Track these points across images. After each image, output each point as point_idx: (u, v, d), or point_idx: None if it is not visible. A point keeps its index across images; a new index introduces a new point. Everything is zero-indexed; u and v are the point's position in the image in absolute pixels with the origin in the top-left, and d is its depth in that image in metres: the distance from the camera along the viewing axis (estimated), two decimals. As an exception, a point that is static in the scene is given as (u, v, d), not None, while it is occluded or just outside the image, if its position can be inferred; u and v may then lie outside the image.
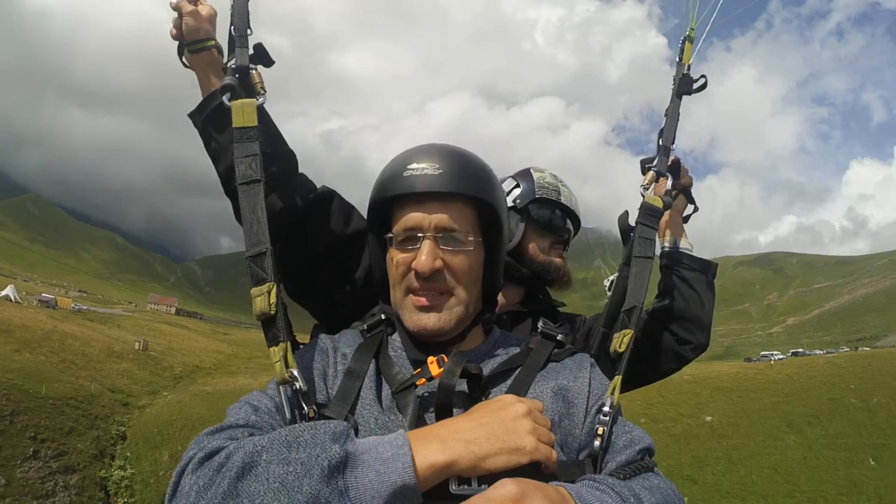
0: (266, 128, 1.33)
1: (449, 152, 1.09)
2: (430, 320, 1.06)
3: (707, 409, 17.40)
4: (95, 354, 45.20)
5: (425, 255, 1.03)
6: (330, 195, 1.49)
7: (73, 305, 70.27)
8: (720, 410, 17.08)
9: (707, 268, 1.69)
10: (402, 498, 0.77)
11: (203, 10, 1.35)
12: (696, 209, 1.78)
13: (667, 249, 1.72)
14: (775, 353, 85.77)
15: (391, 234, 1.10)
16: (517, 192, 1.76)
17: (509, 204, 1.73)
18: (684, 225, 1.78)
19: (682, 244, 1.71)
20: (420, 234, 1.05)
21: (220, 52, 1.39)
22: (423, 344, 1.11)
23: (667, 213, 1.67)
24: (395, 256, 1.09)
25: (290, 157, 1.45)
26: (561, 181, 1.82)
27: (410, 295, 1.08)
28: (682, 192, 1.73)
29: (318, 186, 1.50)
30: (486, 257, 1.13)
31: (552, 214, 1.75)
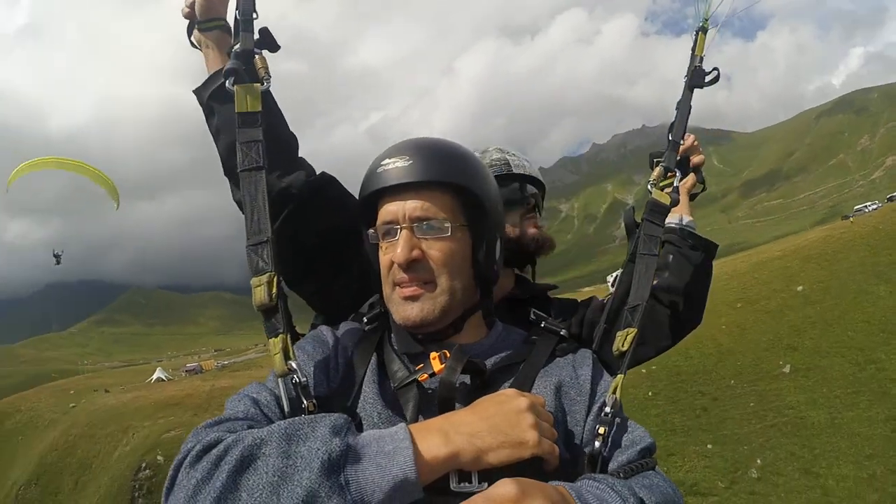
0: (268, 110, 1.29)
1: (422, 143, 1.09)
2: (412, 311, 1.04)
3: (798, 279, 17.99)
4: (257, 396, 50.45)
5: (401, 246, 1.03)
6: (329, 181, 1.46)
7: (216, 364, 76.85)
8: (810, 278, 17.67)
9: (708, 247, 1.62)
10: (403, 492, 0.75)
11: None
12: (704, 189, 1.76)
13: (671, 225, 1.66)
14: (869, 203, 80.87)
15: (372, 231, 1.10)
16: None
17: None
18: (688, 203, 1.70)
19: (687, 221, 1.66)
20: (397, 226, 1.05)
21: (230, 32, 1.36)
22: (420, 339, 1.09)
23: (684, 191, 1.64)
24: (381, 252, 1.10)
25: (289, 140, 1.42)
26: (507, 151, 1.77)
27: (397, 288, 1.07)
28: (694, 170, 1.69)
29: (317, 172, 1.45)
30: (475, 243, 1.10)
31: (509, 189, 1.68)
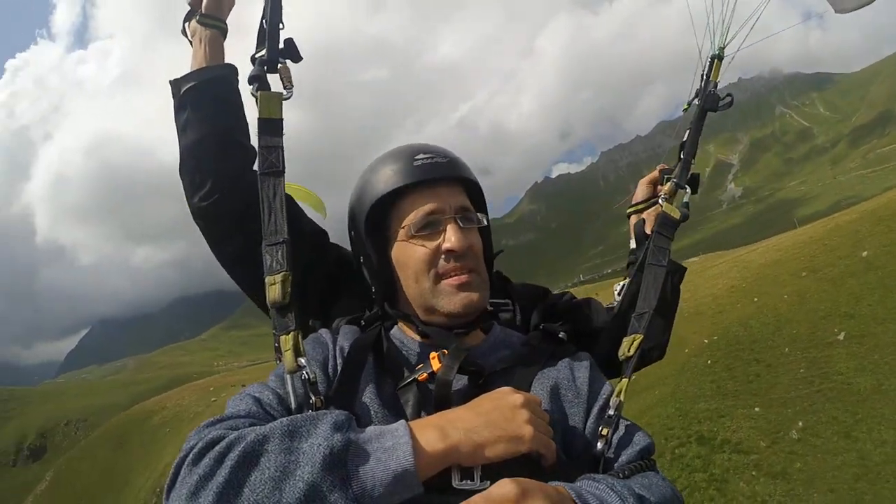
0: (239, 118, 1.34)
1: (435, 147, 1.16)
2: (474, 296, 1.08)
3: (865, 243, 17.35)
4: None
5: (457, 234, 1.06)
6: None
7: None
8: (877, 242, 17.04)
9: (677, 269, 1.55)
10: (403, 486, 0.77)
11: None
12: (692, 195, 1.68)
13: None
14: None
15: (405, 226, 1.09)
16: None
17: None
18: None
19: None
20: (442, 217, 1.08)
21: (224, 35, 1.39)
22: (425, 338, 1.12)
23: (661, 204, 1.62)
24: (414, 247, 1.09)
25: (247, 150, 1.39)
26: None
27: (444, 280, 1.08)
28: (689, 182, 1.65)
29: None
30: (484, 235, 1.18)
31: None
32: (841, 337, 13.69)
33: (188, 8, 1.41)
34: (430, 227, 1.09)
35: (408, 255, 1.11)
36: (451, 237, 1.07)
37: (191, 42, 1.42)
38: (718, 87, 1.64)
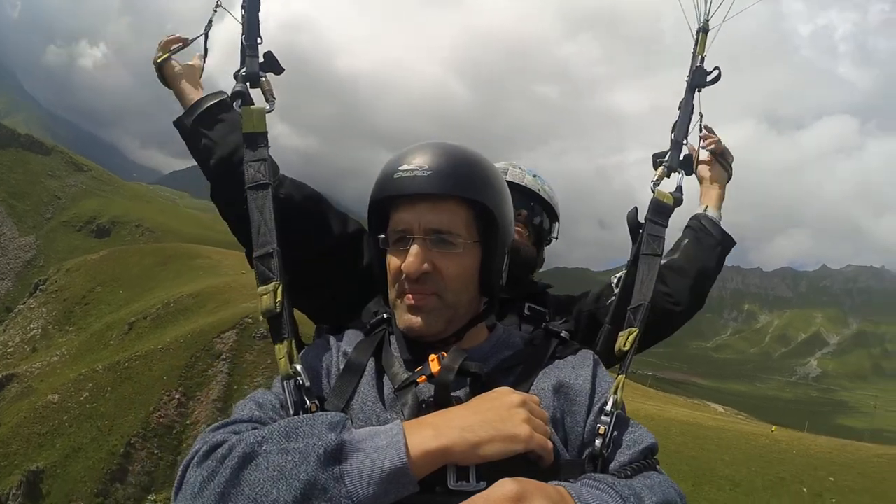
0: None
1: (443, 151, 1.07)
2: (417, 321, 1.05)
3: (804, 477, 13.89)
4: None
5: (412, 258, 1.03)
6: (318, 197, 1.48)
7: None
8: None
9: (727, 241, 1.64)
10: (397, 484, 0.78)
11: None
12: (729, 177, 1.74)
13: (698, 212, 1.69)
14: None
15: (384, 236, 1.10)
16: None
17: None
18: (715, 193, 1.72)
19: (712, 213, 1.68)
20: (410, 236, 1.05)
21: (200, 57, 1.43)
22: (420, 343, 1.09)
23: (709, 181, 1.70)
24: (389, 257, 1.09)
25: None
26: (513, 163, 1.83)
27: (403, 294, 1.07)
28: (718, 159, 1.70)
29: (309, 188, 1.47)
30: (484, 257, 1.10)
31: None
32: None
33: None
34: (400, 243, 1.07)
35: (387, 263, 1.10)
36: (407, 259, 1.04)
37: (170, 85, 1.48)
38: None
